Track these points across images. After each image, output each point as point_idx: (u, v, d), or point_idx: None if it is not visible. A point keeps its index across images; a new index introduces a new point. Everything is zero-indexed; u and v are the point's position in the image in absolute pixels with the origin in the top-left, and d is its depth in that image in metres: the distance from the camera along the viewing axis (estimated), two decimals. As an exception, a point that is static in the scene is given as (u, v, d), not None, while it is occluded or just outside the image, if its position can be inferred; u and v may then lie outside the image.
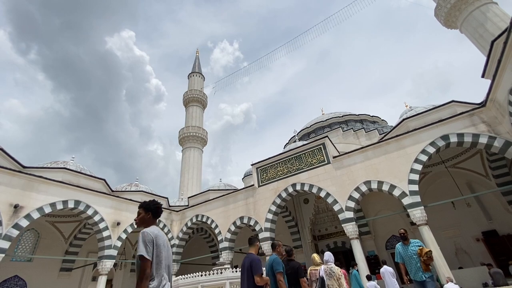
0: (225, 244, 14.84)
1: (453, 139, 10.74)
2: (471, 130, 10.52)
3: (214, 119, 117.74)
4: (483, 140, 10.17)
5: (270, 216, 13.84)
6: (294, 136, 22.87)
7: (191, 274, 8.15)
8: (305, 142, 15.84)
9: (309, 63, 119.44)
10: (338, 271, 5.16)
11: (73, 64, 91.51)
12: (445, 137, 10.90)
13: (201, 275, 7.79)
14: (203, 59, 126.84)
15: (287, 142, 28.68)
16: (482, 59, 13.80)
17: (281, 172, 14.64)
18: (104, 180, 15.89)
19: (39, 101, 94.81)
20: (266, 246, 13.38)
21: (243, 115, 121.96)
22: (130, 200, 15.62)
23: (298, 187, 13.63)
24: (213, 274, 7.81)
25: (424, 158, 11.06)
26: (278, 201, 13.91)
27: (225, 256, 14.48)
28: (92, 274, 16.75)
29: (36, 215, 11.27)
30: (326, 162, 13.38)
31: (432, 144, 11.06)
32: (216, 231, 15.69)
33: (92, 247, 16.59)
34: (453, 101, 12.72)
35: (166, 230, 16.82)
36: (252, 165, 16.05)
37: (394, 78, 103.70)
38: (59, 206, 12.20)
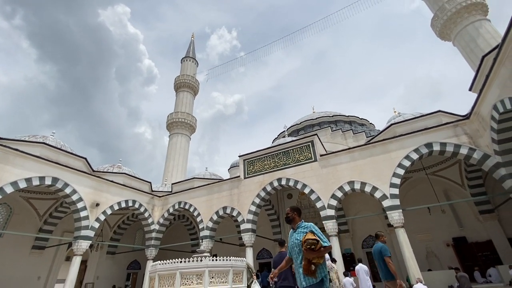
0: (206, 232, 14.85)
1: (436, 147, 11.12)
2: (453, 141, 10.93)
3: (205, 106, 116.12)
4: (463, 151, 10.60)
5: (253, 208, 13.94)
6: (284, 131, 22.96)
7: (170, 260, 8.09)
8: (294, 138, 15.95)
9: (305, 62, 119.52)
10: (335, 267, 5.72)
11: (61, 34, 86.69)
12: (428, 145, 11.28)
13: (180, 262, 7.75)
14: (199, 44, 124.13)
15: (276, 137, 28.78)
16: (471, 72, 14.27)
17: (267, 166, 14.71)
18: (85, 159, 15.36)
19: (21, 70, 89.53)
20: (247, 237, 13.52)
21: (235, 106, 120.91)
22: (112, 181, 15.23)
23: (283, 182, 13.76)
24: (193, 261, 7.79)
25: (407, 163, 11.42)
26: (263, 194, 14.01)
27: (205, 245, 14.51)
28: (66, 254, 16.35)
29: (9, 189, 10.76)
30: (313, 159, 13.55)
31: (416, 150, 11.42)
32: (198, 219, 15.66)
33: (68, 227, 16.14)
34: (439, 111, 13.12)
35: (147, 214, 16.60)
36: (239, 156, 16.01)
37: (387, 83, 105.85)
38: (35, 182, 11.70)
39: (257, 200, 13.99)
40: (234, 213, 14.47)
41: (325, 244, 2.93)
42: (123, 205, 15.39)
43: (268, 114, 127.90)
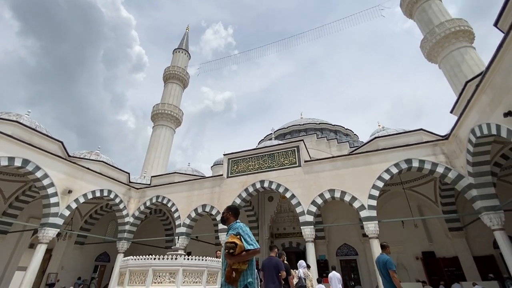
0: (183, 229, 14.53)
1: (415, 164, 11.54)
2: (431, 159, 11.38)
3: (193, 101, 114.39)
4: (440, 169, 11.07)
5: (233, 208, 13.80)
6: (271, 134, 23.02)
7: (143, 256, 7.81)
8: (280, 142, 16.01)
9: (297, 67, 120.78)
10: (311, 274, 5.78)
11: (48, 8, 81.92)
12: (408, 161, 11.67)
13: (154, 259, 7.50)
14: (194, 38, 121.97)
15: (262, 138, 28.81)
16: (453, 95, 14.95)
17: (252, 167, 14.64)
18: (62, 142, 14.56)
19: (1, 42, 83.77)
20: (223, 237, 13.33)
21: (224, 103, 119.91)
22: (88, 169, 14.55)
23: (266, 184, 13.75)
24: (167, 259, 7.56)
25: (387, 177, 11.76)
26: (244, 195, 13.92)
27: (181, 242, 14.19)
28: (30, 241, 15.40)
29: (-27, 168, 9.96)
30: (297, 164, 13.64)
31: (396, 165, 11.78)
32: (176, 215, 15.29)
33: (35, 212, 15.24)
34: (421, 129, 13.64)
35: (122, 206, 16.01)
36: (224, 155, 15.83)
37: (374, 97, 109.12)
38: (4, 162, 10.92)
39: (238, 201, 13.87)
40: (213, 212, 14.27)
41: (248, 247, 2.61)
42: (98, 194, 14.74)
43: (256, 115, 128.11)
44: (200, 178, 16.09)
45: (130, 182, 18.60)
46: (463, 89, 10.79)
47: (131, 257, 8.25)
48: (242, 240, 2.66)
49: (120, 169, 17.78)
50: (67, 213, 12.96)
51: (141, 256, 7.99)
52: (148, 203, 16.57)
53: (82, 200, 13.77)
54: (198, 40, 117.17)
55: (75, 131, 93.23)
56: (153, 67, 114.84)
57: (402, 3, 26.37)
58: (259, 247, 2.68)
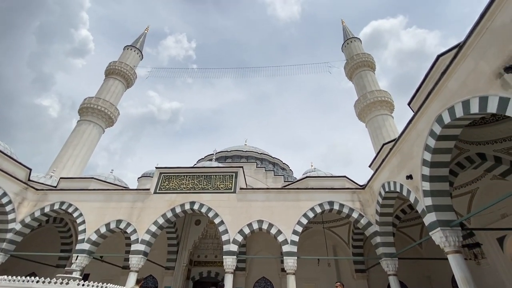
0: (86, 246, 12.31)
1: (336, 206, 12.72)
2: (349, 204, 12.75)
3: (136, 102, 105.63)
4: (355, 215, 12.44)
5: (153, 228, 12.50)
6: (212, 154, 22.60)
7: (21, 278, 6.17)
8: (220, 165, 15.76)
9: (250, 97, 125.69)
10: None
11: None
12: (331, 203, 12.80)
13: (37, 282, 5.99)
14: (152, 40, 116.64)
15: (202, 158, 28.04)
16: (373, 152, 17.49)
17: (184, 186, 13.81)
18: None
19: None
20: (135, 260, 11.79)
21: (171, 113, 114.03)
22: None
23: (196, 207, 13.04)
24: (54, 283, 6.13)
25: (311, 215, 12.57)
26: (170, 215, 12.84)
27: (79, 261, 11.91)
28: None
29: None
30: (232, 190, 13.49)
31: (320, 205, 12.77)
32: (81, 228, 12.94)
33: None
34: (345, 176, 15.36)
35: (9, 208, 12.81)
36: (157, 168, 14.62)
37: (313, 138, 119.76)
38: None
39: (161, 221, 12.68)
40: (129, 230, 12.62)
41: None
42: (-24, 189, 11.53)
43: (201, 133, 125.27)
44: (122, 189, 14.31)
45: (29, 180, 15.25)
46: (380, 149, 12.78)
47: (5, 277, 6.44)
48: None
49: (19, 162, 14.48)
50: None
51: (19, 278, 6.30)
52: (47, 209, 13.70)
53: None
54: (156, 43, 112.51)
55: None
56: (98, 58, 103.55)
57: (346, 66, 30.97)
58: None
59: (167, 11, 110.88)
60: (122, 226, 12.84)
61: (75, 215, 13.44)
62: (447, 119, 6.71)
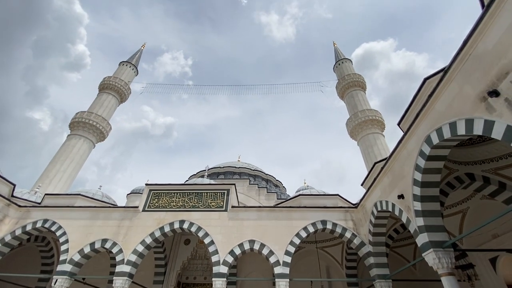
0: (68, 267, 11.65)
1: (329, 226, 12.52)
2: (342, 224, 12.57)
3: (130, 117, 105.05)
4: (348, 234, 12.24)
5: (140, 248, 11.98)
6: (204, 170, 22.33)
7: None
8: (212, 182, 15.52)
9: (244, 114, 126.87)
10: None
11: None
12: (324, 222, 12.60)
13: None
14: (149, 57, 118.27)
15: (194, 174, 27.64)
16: (366, 170, 17.58)
17: (174, 204, 13.46)
18: None
19: None
20: (119, 282, 11.17)
21: (165, 127, 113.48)
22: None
23: (185, 226, 12.64)
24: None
25: (304, 234, 12.30)
26: (158, 234, 12.38)
27: (59, 283, 11.22)
28: None
29: None
30: (224, 209, 13.19)
31: (313, 224, 12.54)
32: (64, 247, 12.31)
33: None
34: (337, 194, 15.27)
35: (-13, 226, 12.17)
36: (147, 184, 14.27)
37: (307, 155, 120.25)
38: None
39: (149, 240, 12.19)
40: (114, 250, 12.05)
41: None
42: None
43: (194, 149, 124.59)
44: (109, 207, 13.84)
45: (12, 196, 14.67)
46: (372, 168, 12.87)
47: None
48: None
49: (2, 177, 13.96)
50: None
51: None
52: (29, 227, 13.05)
53: None
54: (153, 60, 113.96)
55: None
56: (93, 73, 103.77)
57: (338, 86, 31.82)
58: None
59: (164, 30, 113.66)
60: (107, 245, 12.27)
61: (58, 233, 12.83)
62: (435, 139, 6.83)
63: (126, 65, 38.32)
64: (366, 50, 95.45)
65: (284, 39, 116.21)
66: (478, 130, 5.42)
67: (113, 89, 34.18)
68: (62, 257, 12.02)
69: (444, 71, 6.24)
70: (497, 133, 4.99)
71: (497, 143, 8.36)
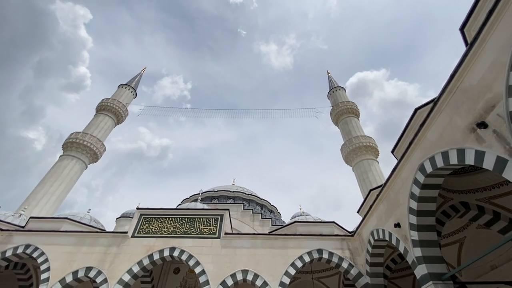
0: (46, 298, 10.85)
1: (325, 255, 12.11)
2: (339, 253, 12.19)
3: (126, 137, 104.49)
4: (344, 264, 11.81)
5: (127, 278, 11.31)
6: (198, 194, 21.91)
7: None
8: (205, 206, 15.15)
9: (239, 138, 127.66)
10: None
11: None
12: (320, 251, 12.21)
13: None
14: (149, 80, 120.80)
15: (187, 197, 27.04)
16: (361, 196, 17.45)
17: (165, 229, 12.98)
18: None
19: None
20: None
21: (160, 149, 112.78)
22: None
23: (176, 253, 12.08)
24: None
25: (299, 264, 11.83)
26: (146, 262, 11.77)
27: (34, 318, 10.35)
28: None
29: None
30: (217, 236, 12.74)
31: (309, 253, 12.12)
32: (44, 276, 11.55)
33: None
34: (333, 222, 14.97)
35: (-36, 252, 11.44)
36: (138, 208, 13.85)
37: (302, 180, 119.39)
38: None
39: (136, 269, 11.54)
40: (99, 279, 11.33)
41: None
42: None
43: (189, 172, 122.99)
44: (96, 232, 13.26)
45: (-6, 219, 14.01)
46: (367, 195, 12.81)
47: None
48: None
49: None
50: None
51: None
52: (9, 253, 12.32)
53: None
54: (153, 83, 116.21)
55: None
56: (93, 95, 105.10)
57: (332, 112, 32.67)
58: None
59: (165, 56, 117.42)
60: (91, 274, 11.56)
61: (39, 260, 12.10)
62: (429, 168, 6.91)
63: (125, 87, 38.97)
64: (360, 78, 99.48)
65: (282, 67, 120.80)
66: (470, 160, 5.52)
67: (110, 111, 34.38)
68: (42, 286, 11.22)
69: (434, 102, 6.50)
70: (488, 163, 5.09)
71: (489, 172, 8.49)
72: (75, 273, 11.56)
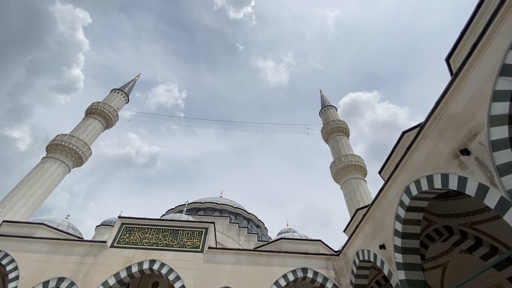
0: (10, 311, 10.08)
1: (310, 274, 11.87)
2: (324, 273, 11.98)
3: (114, 142, 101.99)
4: (329, 285, 11.59)
5: (102, 291, 10.70)
6: (184, 205, 21.39)
7: None
8: (190, 218, 14.76)
9: (230, 149, 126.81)
10: None
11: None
12: (304, 270, 11.97)
13: None
14: (144, 86, 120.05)
15: (173, 208, 26.35)
16: (348, 216, 17.42)
17: (147, 241, 12.49)
18: None
19: None
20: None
21: (149, 156, 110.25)
22: None
23: (156, 266, 11.58)
24: None
25: (283, 283, 11.53)
26: (123, 275, 11.20)
27: (-5, 332, 9.55)
28: None
29: None
30: (200, 250, 12.34)
31: (294, 272, 11.86)
32: (12, 285, 10.78)
33: None
34: (320, 240, 14.80)
35: None
36: (119, 217, 13.33)
37: (291, 195, 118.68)
38: None
39: (112, 281, 10.95)
40: (71, 291, 10.68)
41: None
42: None
43: (176, 181, 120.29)
44: (73, 240, 12.62)
45: (-37, 221, 13.15)
46: (354, 215, 12.81)
47: None
48: None
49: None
50: None
51: None
52: (-26, 259, 11.50)
53: None
54: (147, 89, 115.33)
55: None
56: (84, 98, 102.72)
57: (323, 130, 33.20)
58: None
59: (161, 65, 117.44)
60: (63, 286, 10.87)
61: (8, 268, 11.34)
62: (414, 191, 7.02)
63: (118, 92, 38.54)
64: (352, 99, 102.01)
65: (278, 83, 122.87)
66: (453, 185, 5.65)
67: (100, 115, 33.73)
68: (6, 298, 10.46)
69: (420, 127, 6.70)
70: (470, 189, 5.21)
71: (472, 198, 8.68)
72: (45, 283, 10.85)
